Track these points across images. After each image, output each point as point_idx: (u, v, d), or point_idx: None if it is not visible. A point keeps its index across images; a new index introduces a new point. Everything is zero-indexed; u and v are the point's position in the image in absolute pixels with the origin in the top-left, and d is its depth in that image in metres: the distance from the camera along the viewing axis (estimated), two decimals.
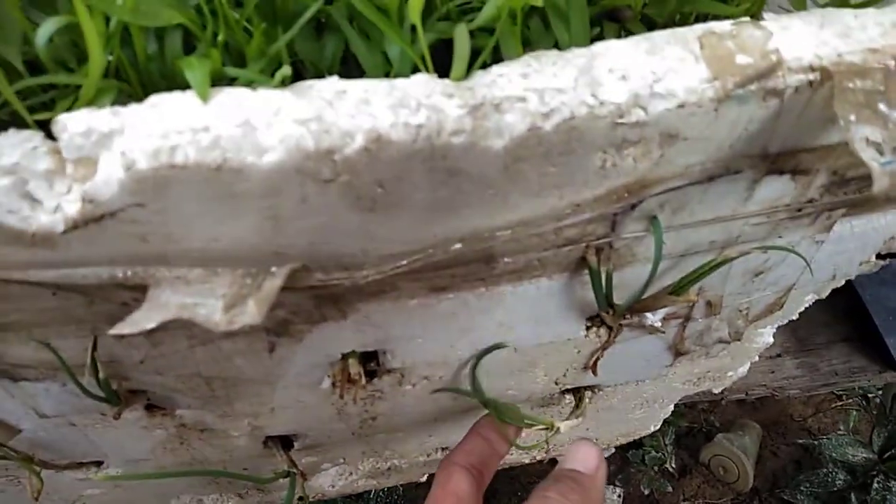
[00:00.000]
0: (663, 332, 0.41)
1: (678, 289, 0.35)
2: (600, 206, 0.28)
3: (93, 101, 0.24)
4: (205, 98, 0.22)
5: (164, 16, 0.24)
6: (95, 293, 0.26)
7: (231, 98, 0.22)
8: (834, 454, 1.12)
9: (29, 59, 0.25)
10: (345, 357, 0.36)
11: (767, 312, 0.44)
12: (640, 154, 0.26)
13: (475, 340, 0.37)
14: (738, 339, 0.44)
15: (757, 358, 0.56)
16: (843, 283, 0.44)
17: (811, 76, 0.25)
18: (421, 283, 0.31)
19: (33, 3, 0.26)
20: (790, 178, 0.30)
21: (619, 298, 0.35)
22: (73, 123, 0.21)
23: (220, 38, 0.25)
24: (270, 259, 0.26)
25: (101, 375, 0.31)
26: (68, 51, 0.26)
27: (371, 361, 0.38)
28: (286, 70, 0.23)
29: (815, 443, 1.27)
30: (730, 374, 0.58)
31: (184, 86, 0.22)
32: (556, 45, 0.28)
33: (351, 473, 0.60)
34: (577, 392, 0.50)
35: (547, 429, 0.41)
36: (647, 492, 1.29)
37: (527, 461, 0.71)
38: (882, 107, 0.24)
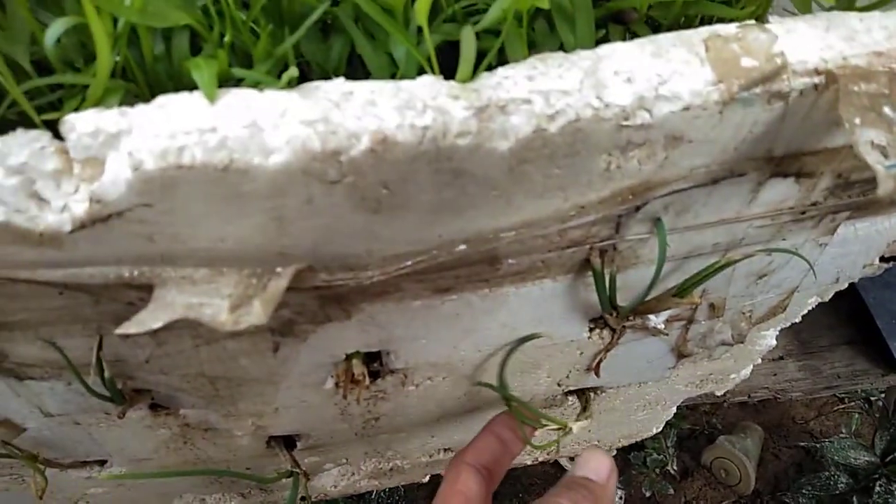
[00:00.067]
0: (666, 335, 0.41)
1: (681, 291, 0.35)
2: (604, 208, 0.28)
3: (100, 102, 0.24)
4: (212, 99, 0.22)
5: (172, 17, 0.24)
6: (102, 293, 0.26)
7: (238, 99, 0.22)
8: (836, 457, 1.12)
9: (36, 59, 0.26)
10: (348, 357, 0.36)
11: (770, 315, 0.44)
12: (645, 156, 0.26)
13: (478, 341, 0.37)
14: (741, 342, 0.44)
15: (759, 360, 0.56)
16: (846, 285, 0.44)
17: (816, 79, 0.25)
18: (425, 284, 0.31)
19: (40, 3, 0.26)
20: (794, 181, 0.30)
21: (622, 300, 0.35)
22: (81, 123, 0.22)
23: (227, 39, 0.26)
24: (276, 259, 0.26)
25: (106, 374, 0.31)
26: (76, 51, 0.26)
27: (374, 362, 0.38)
28: (293, 71, 0.23)
29: (818, 446, 1.27)
30: (732, 376, 0.58)
31: (191, 86, 0.22)
32: (562, 47, 0.28)
33: (353, 474, 0.60)
34: (582, 393, 0.50)
35: (560, 429, 0.41)
36: (648, 494, 1.29)
37: (529, 462, 0.71)
38: (887, 110, 0.24)
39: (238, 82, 0.25)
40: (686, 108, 0.24)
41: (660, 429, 0.69)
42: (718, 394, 0.61)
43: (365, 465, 0.59)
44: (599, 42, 0.26)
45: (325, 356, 0.35)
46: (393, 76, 0.27)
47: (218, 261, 0.25)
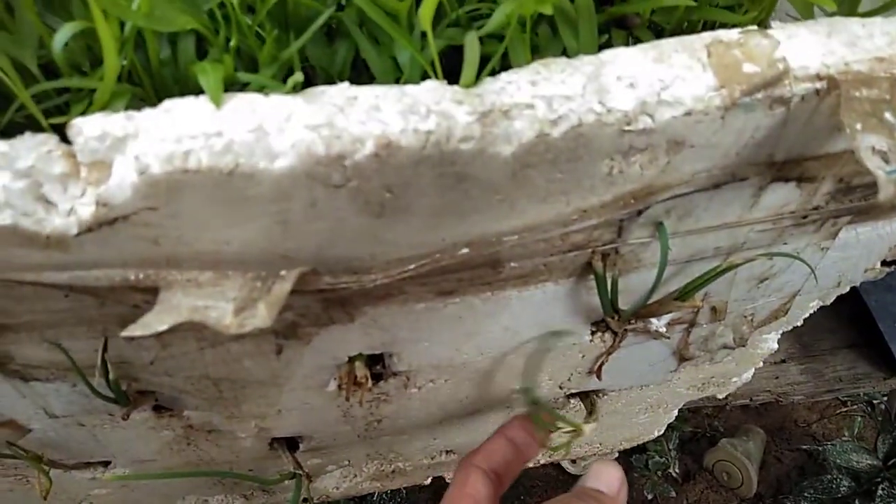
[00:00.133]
0: (668, 338, 0.41)
1: (683, 294, 0.35)
2: (607, 212, 0.28)
3: (107, 105, 0.24)
4: (218, 103, 0.22)
5: (178, 21, 0.24)
6: (107, 295, 0.26)
7: (243, 103, 0.22)
8: (838, 460, 1.11)
9: (44, 63, 0.26)
10: (351, 360, 0.36)
11: (772, 318, 0.44)
12: (647, 161, 0.26)
13: (481, 344, 0.37)
14: (743, 345, 0.44)
15: (761, 364, 0.56)
16: (848, 289, 0.44)
17: (818, 85, 0.25)
18: (428, 287, 0.31)
19: (48, 6, 0.26)
20: (796, 186, 0.30)
21: (624, 304, 0.35)
22: (88, 127, 0.22)
23: (233, 43, 0.26)
24: (280, 262, 0.26)
25: (110, 376, 0.31)
26: (83, 55, 0.26)
27: (377, 364, 0.38)
28: (298, 76, 0.24)
29: (820, 449, 1.26)
30: (734, 379, 0.58)
31: (196, 91, 0.23)
32: (565, 52, 0.28)
33: (355, 476, 0.60)
34: (587, 396, 0.50)
35: (573, 432, 0.41)
36: (650, 497, 1.29)
37: (531, 464, 0.71)
38: (888, 116, 0.24)
39: (243, 87, 0.25)
40: (688, 114, 0.24)
41: (662, 431, 0.69)
42: (720, 397, 0.61)
43: (367, 467, 0.59)
44: (602, 47, 0.26)
45: (328, 359, 0.35)
46: (397, 81, 0.27)
47: (223, 264, 0.25)
